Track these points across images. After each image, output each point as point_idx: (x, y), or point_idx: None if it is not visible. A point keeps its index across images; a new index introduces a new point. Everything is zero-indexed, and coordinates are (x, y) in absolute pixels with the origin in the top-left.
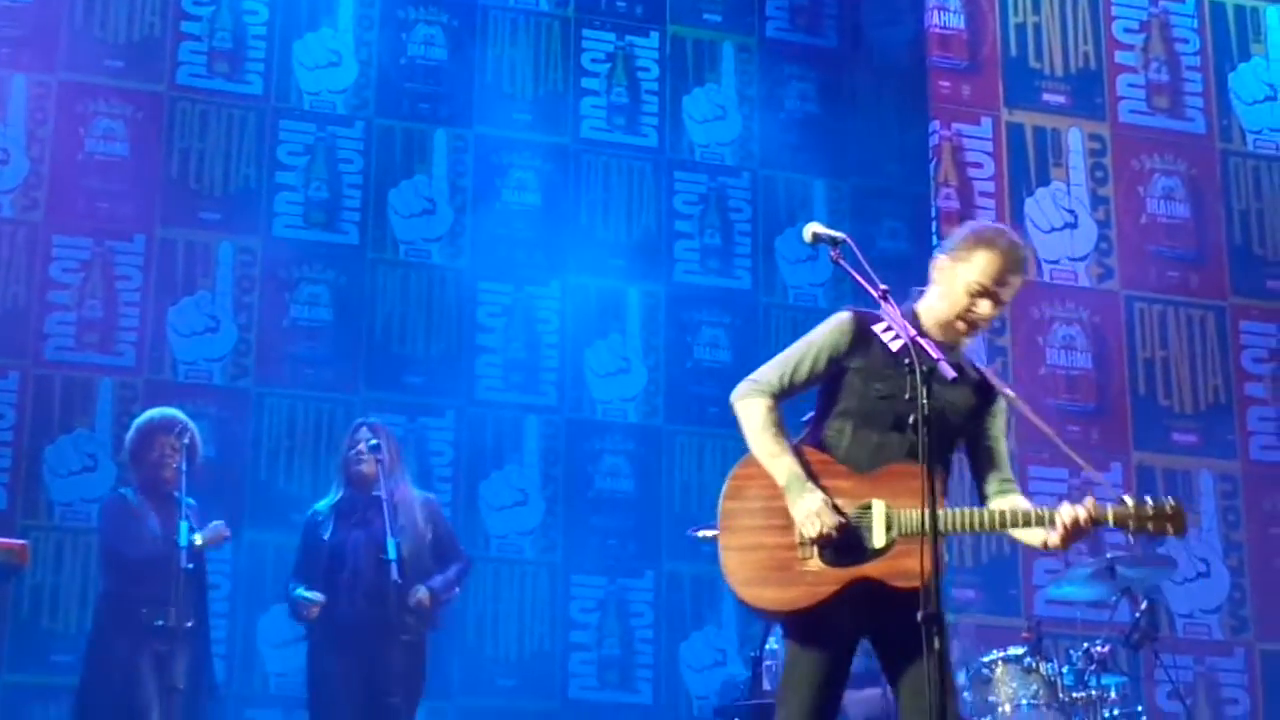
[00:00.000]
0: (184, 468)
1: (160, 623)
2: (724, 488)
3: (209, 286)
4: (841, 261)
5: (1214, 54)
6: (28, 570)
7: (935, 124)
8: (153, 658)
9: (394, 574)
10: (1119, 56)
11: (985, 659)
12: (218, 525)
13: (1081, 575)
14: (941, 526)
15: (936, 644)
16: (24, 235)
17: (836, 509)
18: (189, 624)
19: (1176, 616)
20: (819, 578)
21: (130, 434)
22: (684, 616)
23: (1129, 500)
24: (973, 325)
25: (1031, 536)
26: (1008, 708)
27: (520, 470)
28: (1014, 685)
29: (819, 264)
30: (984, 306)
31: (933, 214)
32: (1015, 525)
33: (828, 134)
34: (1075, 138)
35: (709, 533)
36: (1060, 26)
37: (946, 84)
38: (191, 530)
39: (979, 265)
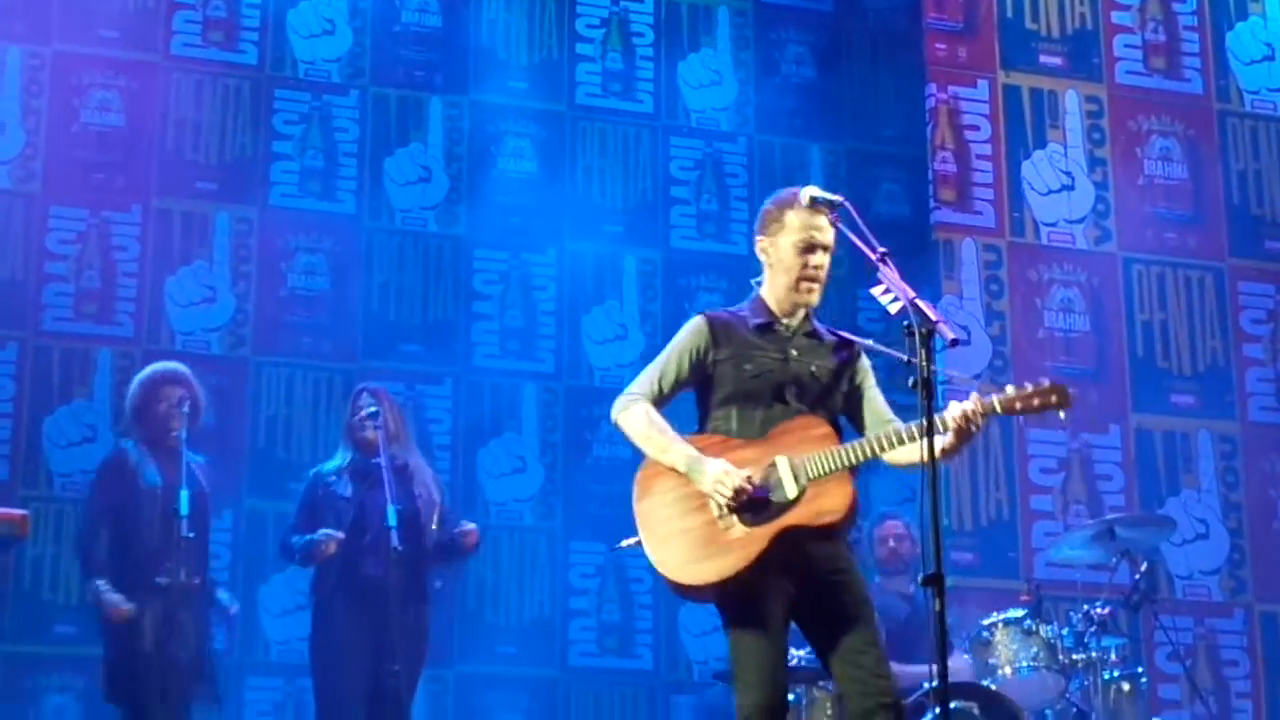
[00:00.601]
0: (183, 435)
1: (164, 580)
2: (633, 493)
3: (206, 256)
4: (839, 225)
5: (1211, 14)
6: (28, 541)
7: (932, 87)
8: (154, 618)
9: (394, 540)
10: (1116, 17)
11: (985, 622)
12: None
13: (1081, 538)
14: (845, 461)
15: (937, 605)
16: (21, 207)
17: (737, 471)
18: (196, 581)
19: (1176, 578)
20: (747, 540)
21: (133, 388)
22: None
23: (1010, 388)
24: (814, 280)
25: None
26: (1008, 670)
27: (519, 437)
28: (1014, 648)
29: None
30: (817, 257)
31: (930, 177)
32: (910, 439)
33: (824, 98)
34: (1072, 99)
35: (630, 541)
36: None
37: (942, 46)
38: (194, 496)
39: (792, 225)
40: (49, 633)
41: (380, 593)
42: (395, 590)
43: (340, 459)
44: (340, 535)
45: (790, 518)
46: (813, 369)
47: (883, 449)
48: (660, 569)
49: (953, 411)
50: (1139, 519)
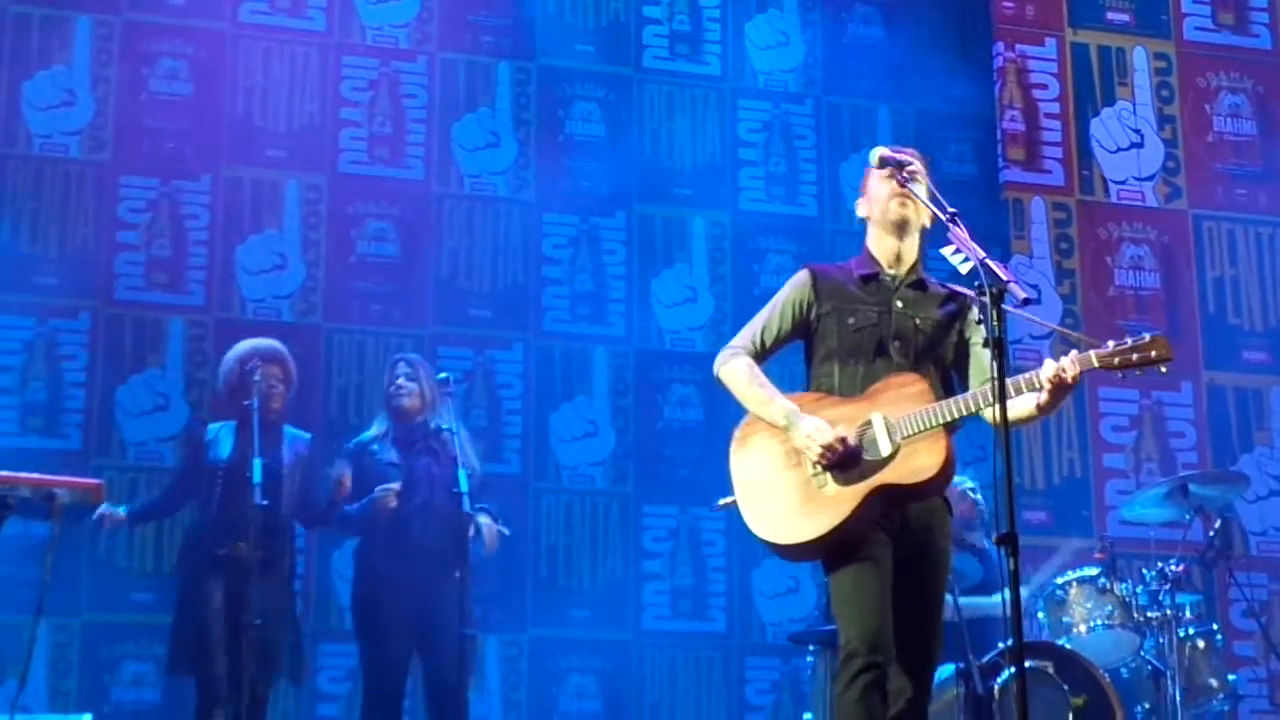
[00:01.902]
0: (255, 404)
1: (223, 552)
2: (730, 452)
3: (276, 224)
4: (909, 186)
5: None
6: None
7: (999, 45)
8: (223, 592)
9: (466, 505)
10: None
11: (1059, 580)
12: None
13: (1154, 496)
14: (940, 419)
15: (1011, 564)
16: (91, 176)
17: (831, 430)
18: (258, 555)
19: (1250, 535)
20: (839, 498)
21: (228, 363)
22: (756, 545)
23: (1111, 343)
24: (904, 196)
25: (1024, 407)
26: (1083, 628)
27: (590, 401)
28: (1089, 606)
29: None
30: (895, 178)
31: (998, 137)
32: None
33: (891, 58)
34: (1140, 56)
35: (727, 500)
36: None
37: (1010, 5)
38: (272, 467)
39: (877, 170)
40: (126, 600)
41: (424, 559)
42: (453, 554)
43: (379, 427)
44: (397, 486)
45: (883, 476)
46: (917, 321)
47: (978, 407)
48: (753, 527)
49: (1047, 371)
50: (1212, 475)
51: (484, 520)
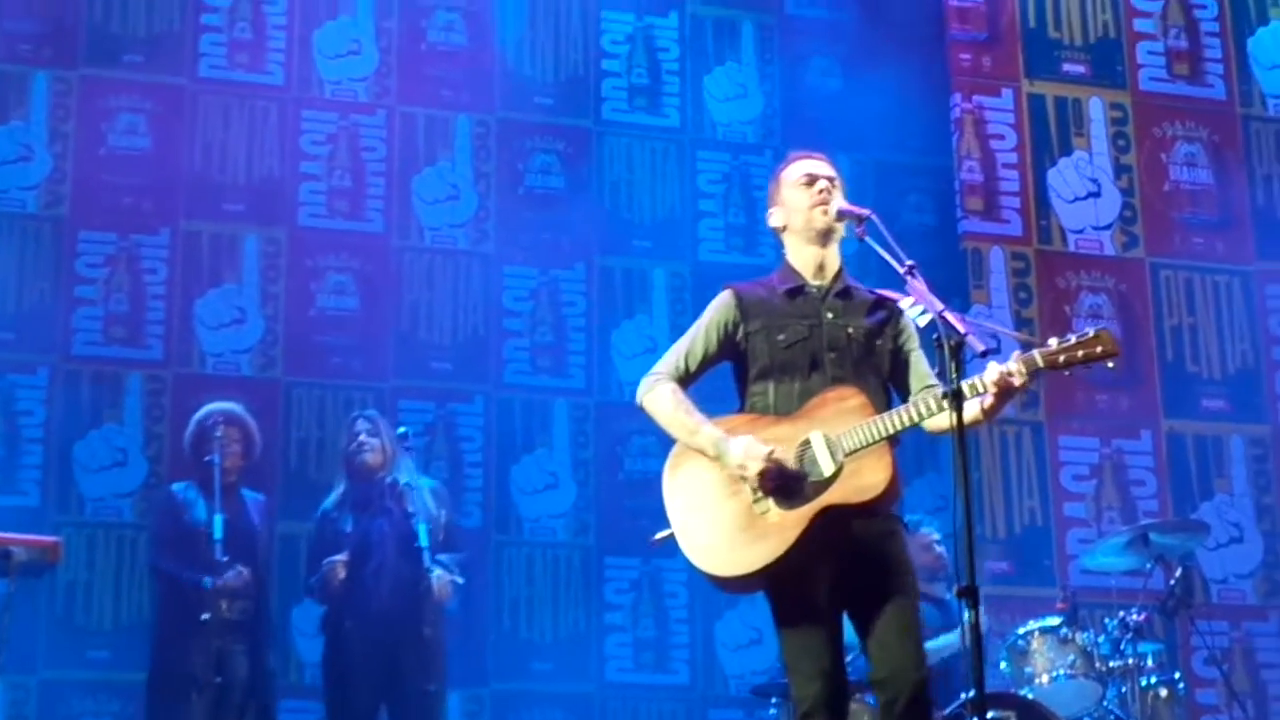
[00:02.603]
0: (216, 460)
1: (206, 617)
2: (662, 486)
3: (235, 278)
4: (867, 238)
5: (1232, 19)
6: (61, 566)
7: (956, 96)
8: (205, 652)
9: (427, 561)
10: (1138, 24)
11: (1021, 630)
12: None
13: (1115, 544)
14: (882, 432)
15: (970, 617)
16: (49, 231)
17: (762, 447)
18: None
19: (1211, 582)
20: (784, 523)
21: (190, 425)
22: (718, 596)
23: (1053, 341)
24: (823, 202)
25: (968, 413)
26: (1045, 679)
27: (550, 454)
28: (1051, 656)
29: (845, 242)
30: (821, 183)
31: (956, 187)
32: (945, 407)
33: (849, 110)
34: (1096, 107)
35: (664, 534)
36: None
37: (967, 56)
38: (245, 528)
39: (790, 173)
40: (83, 658)
41: (383, 622)
42: (413, 613)
43: (337, 492)
44: (343, 558)
45: (829, 497)
46: (850, 330)
47: (921, 417)
48: (694, 560)
49: (990, 375)
50: (1173, 524)
51: (436, 573)
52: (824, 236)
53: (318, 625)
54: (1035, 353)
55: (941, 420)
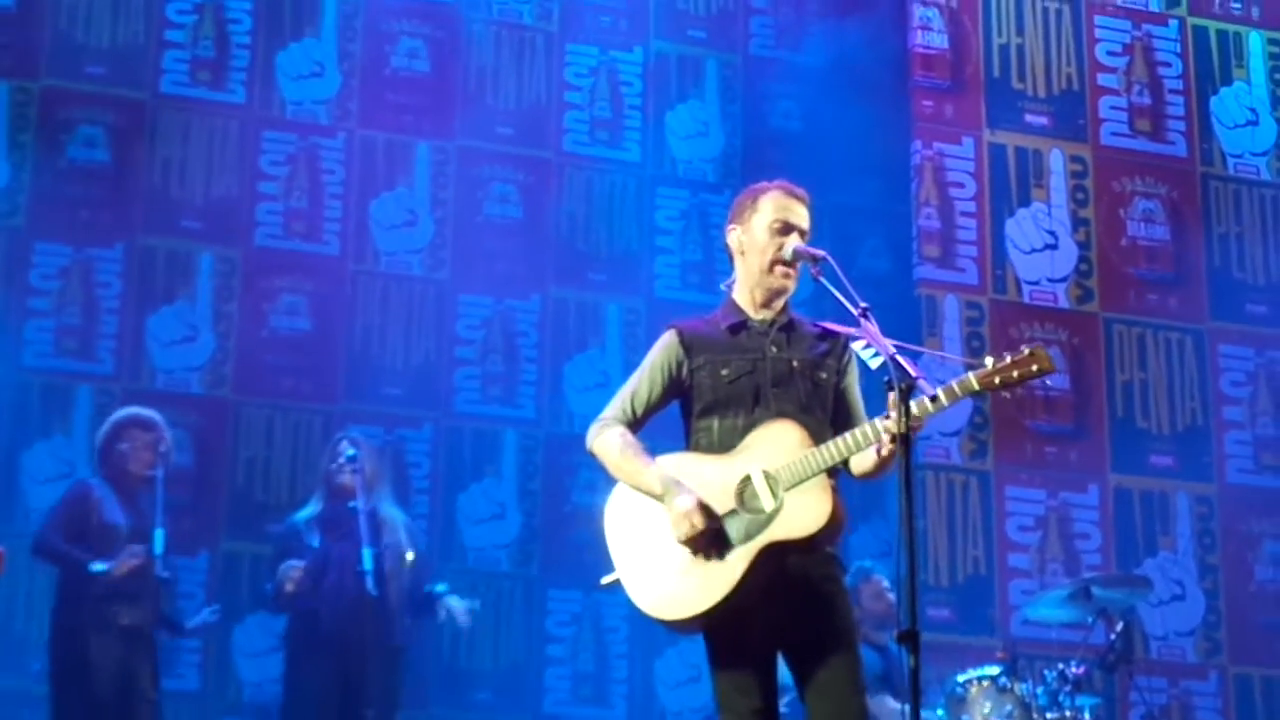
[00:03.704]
0: (159, 475)
1: (126, 622)
2: (605, 529)
3: (189, 295)
4: (821, 279)
5: (1196, 77)
6: (3, 578)
7: (917, 143)
8: (115, 659)
9: (369, 585)
10: (1101, 79)
11: (960, 678)
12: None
13: (1058, 597)
14: (819, 464)
15: (912, 662)
16: (4, 242)
17: (707, 508)
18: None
19: (1151, 639)
20: (727, 564)
21: (104, 427)
22: (658, 632)
23: (989, 361)
24: (787, 264)
25: (865, 461)
26: None
27: (498, 483)
28: (988, 705)
29: (803, 282)
30: (791, 239)
31: (914, 233)
32: (872, 439)
33: (810, 152)
34: (1057, 159)
35: (611, 577)
36: (1043, 48)
37: (929, 103)
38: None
39: (766, 207)
40: (28, 669)
41: (344, 641)
42: (364, 636)
43: (312, 508)
44: (300, 564)
45: (771, 533)
46: (794, 363)
47: (858, 446)
48: (641, 605)
49: (894, 424)
50: (1115, 578)
51: (453, 601)
52: (777, 292)
53: (279, 640)
54: (970, 375)
55: (867, 460)
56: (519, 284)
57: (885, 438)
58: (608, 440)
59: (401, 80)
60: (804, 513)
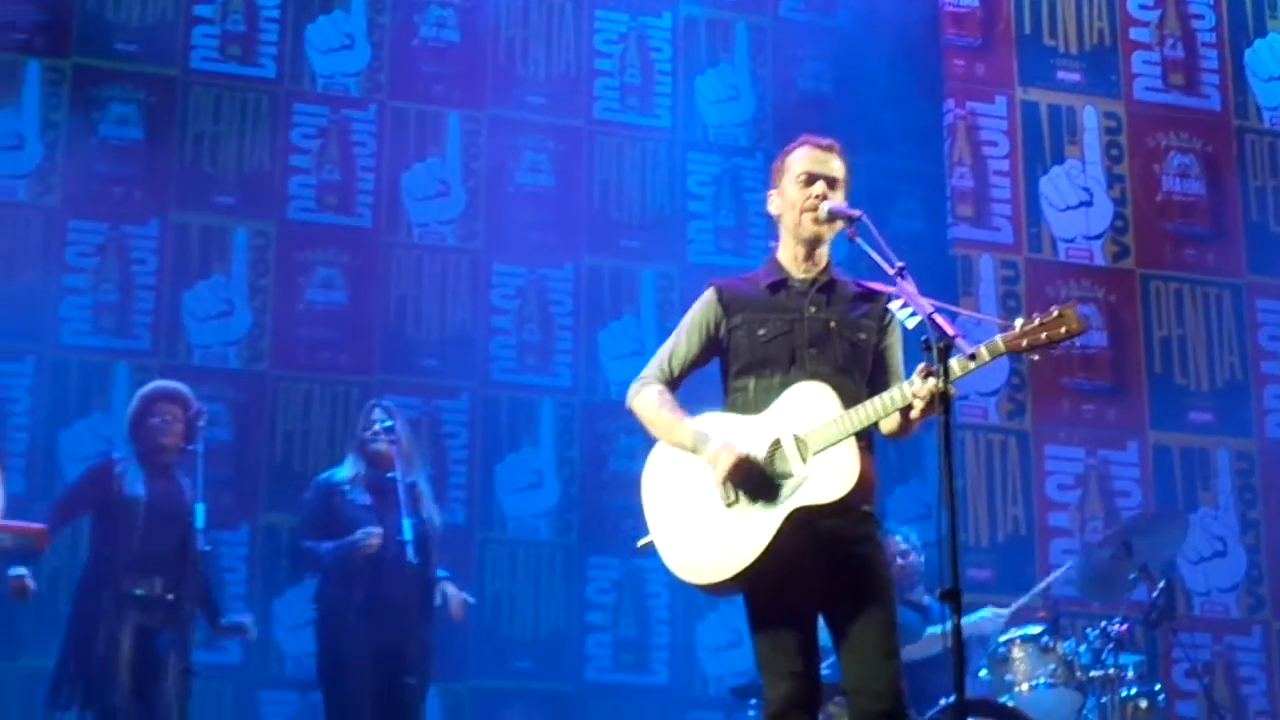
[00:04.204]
0: (200, 449)
1: (140, 593)
2: (642, 493)
3: (224, 270)
4: (858, 239)
5: (1230, 30)
6: (47, 555)
7: (950, 103)
8: (135, 630)
9: (410, 554)
10: (1134, 33)
11: (1002, 639)
12: None
13: (1098, 555)
14: (848, 428)
15: (952, 621)
16: (40, 220)
17: (739, 447)
18: (170, 597)
19: (1193, 595)
20: (756, 527)
21: (133, 402)
22: (699, 597)
23: (1018, 322)
24: (815, 211)
25: (891, 423)
26: (1025, 687)
27: (536, 452)
28: (1031, 664)
29: (838, 243)
30: (818, 187)
31: (948, 193)
32: (901, 404)
33: (841, 114)
34: (1090, 115)
35: (646, 540)
36: (1074, 3)
37: (960, 62)
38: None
39: (794, 162)
40: None
41: (393, 608)
42: (403, 605)
43: (351, 469)
44: (380, 531)
45: (799, 498)
46: (832, 324)
47: (885, 411)
48: (673, 569)
49: (920, 389)
50: (1152, 520)
51: (450, 590)
52: (811, 244)
53: (312, 609)
54: (998, 338)
55: (894, 420)
56: (553, 252)
57: (917, 403)
58: (645, 397)
59: (431, 51)
60: (832, 477)
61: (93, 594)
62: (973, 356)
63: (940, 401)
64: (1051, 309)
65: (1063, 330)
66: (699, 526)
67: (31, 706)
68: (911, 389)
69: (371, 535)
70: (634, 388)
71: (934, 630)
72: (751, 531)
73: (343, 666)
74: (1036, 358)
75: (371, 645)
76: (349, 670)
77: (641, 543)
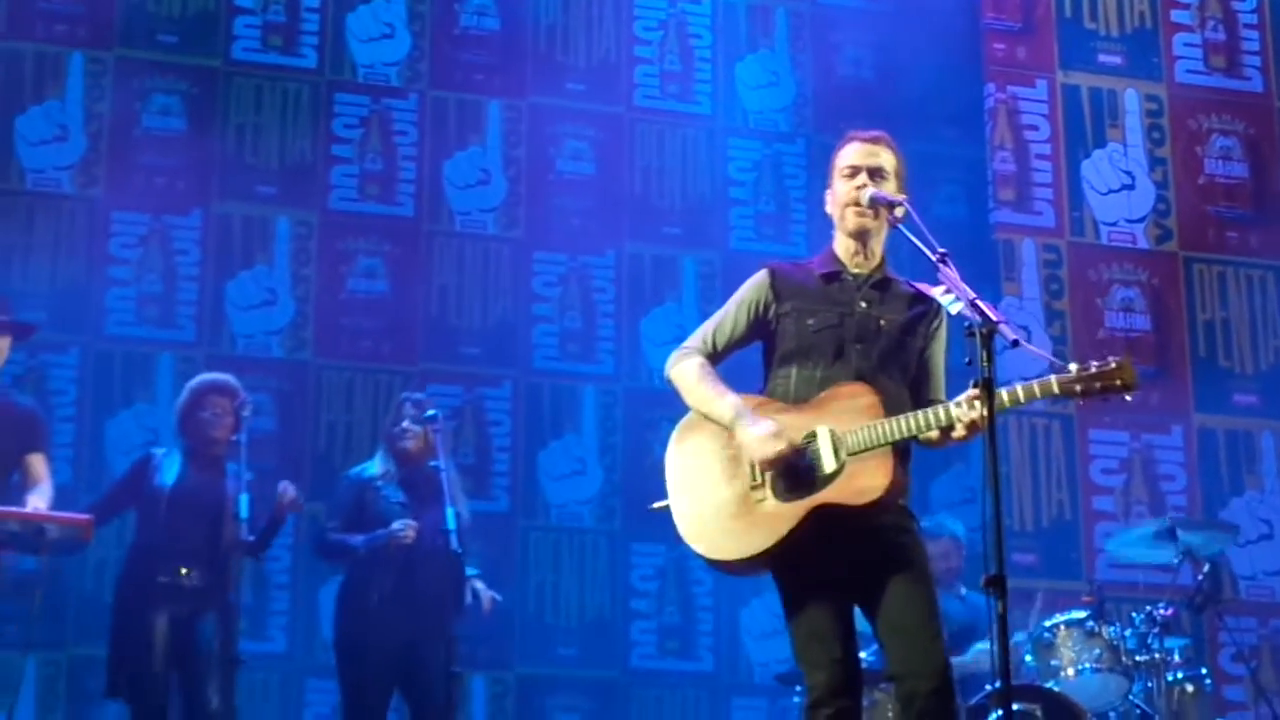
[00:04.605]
0: (244, 440)
1: (165, 581)
2: (666, 458)
3: (266, 260)
4: (900, 226)
5: (1271, 11)
6: (92, 545)
7: (990, 87)
8: (169, 620)
9: (454, 544)
10: (1175, 16)
11: (1047, 623)
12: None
13: (1142, 534)
14: (886, 436)
15: (1000, 608)
16: (84, 212)
17: (788, 434)
18: (198, 584)
19: (1239, 579)
20: (777, 516)
21: (182, 395)
22: (744, 584)
23: (1073, 367)
24: (857, 203)
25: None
26: (1070, 671)
27: (578, 439)
28: (1077, 649)
29: None
30: (859, 179)
31: (989, 178)
32: (944, 422)
33: (882, 99)
34: (1132, 98)
35: (662, 504)
36: None
37: (1001, 46)
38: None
39: (840, 158)
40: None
41: (405, 605)
42: (438, 598)
43: (381, 465)
44: (416, 525)
45: (825, 495)
46: (881, 322)
47: (928, 427)
48: (684, 537)
49: (968, 412)
50: (1200, 522)
51: (479, 586)
52: (857, 237)
53: (335, 598)
54: (1053, 379)
55: (931, 433)
56: (594, 240)
57: (960, 426)
58: (686, 367)
59: (471, 39)
60: (860, 482)
61: (130, 584)
62: (1012, 391)
63: (984, 388)
64: (1109, 360)
65: (1117, 383)
66: (719, 502)
67: (79, 694)
68: (958, 411)
69: (409, 526)
70: (674, 356)
71: (981, 647)
72: (771, 519)
73: (362, 657)
74: (1080, 403)
75: (399, 635)
76: (368, 660)
77: (657, 505)
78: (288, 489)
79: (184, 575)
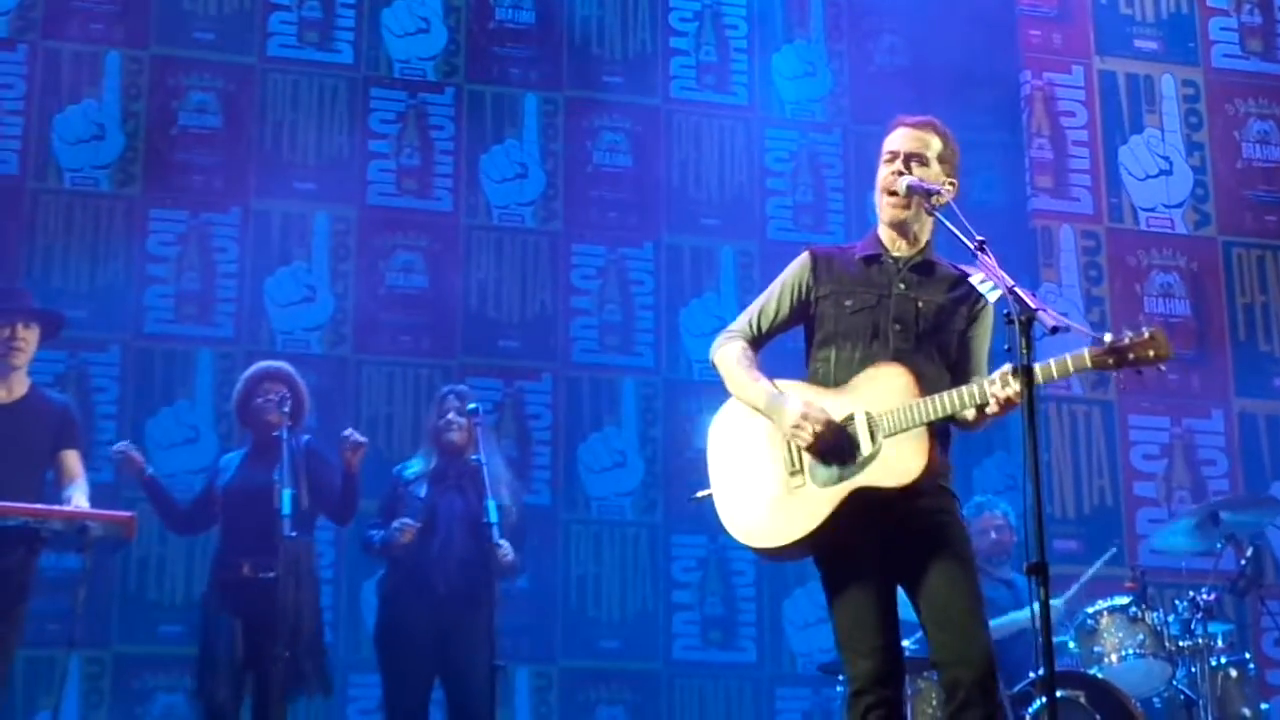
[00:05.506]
0: (284, 434)
1: (226, 577)
2: (708, 446)
3: (305, 256)
4: (937, 214)
5: None
6: (134, 543)
7: (1026, 73)
8: (230, 616)
9: (495, 536)
10: (1211, 0)
11: (1090, 610)
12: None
13: (1185, 525)
14: (923, 417)
15: (1041, 595)
16: (122, 210)
17: (822, 410)
18: (271, 575)
19: None
20: (815, 500)
21: (238, 385)
22: (786, 573)
23: (1106, 337)
24: (893, 191)
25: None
26: (1114, 658)
27: (618, 432)
28: (1120, 635)
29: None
30: (896, 164)
31: (1026, 164)
32: (978, 400)
33: (918, 87)
34: (1168, 84)
35: (705, 493)
36: None
37: (1037, 32)
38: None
39: (885, 143)
40: (155, 633)
41: (443, 599)
42: (473, 591)
43: (422, 463)
44: (416, 524)
45: (862, 478)
46: (920, 304)
47: (963, 406)
48: (727, 527)
49: (1002, 390)
50: (1243, 500)
51: (505, 545)
52: (894, 225)
53: (373, 592)
54: (1085, 352)
55: (968, 413)
56: (632, 232)
57: (993, 404)
58: (727, 351)
59: (507, 33)
60: (898, 463)
61: (207, 586)
62: (1045, 368)
63: (1023, 374)
64: (1143, 330)
65: (1151, 354)
66: (759, 489)
67: (123, 693)
68: (991, 389)
69: (407, 527)
70: (719, 339)
71: (1016, 616)
72: (810, 504)
73: (400, 648)
74: (1119, 375)
75: (436, 627)
76: (406, 653)
77: (699, 495)
78: (350, 434)
79: (245, 572)
